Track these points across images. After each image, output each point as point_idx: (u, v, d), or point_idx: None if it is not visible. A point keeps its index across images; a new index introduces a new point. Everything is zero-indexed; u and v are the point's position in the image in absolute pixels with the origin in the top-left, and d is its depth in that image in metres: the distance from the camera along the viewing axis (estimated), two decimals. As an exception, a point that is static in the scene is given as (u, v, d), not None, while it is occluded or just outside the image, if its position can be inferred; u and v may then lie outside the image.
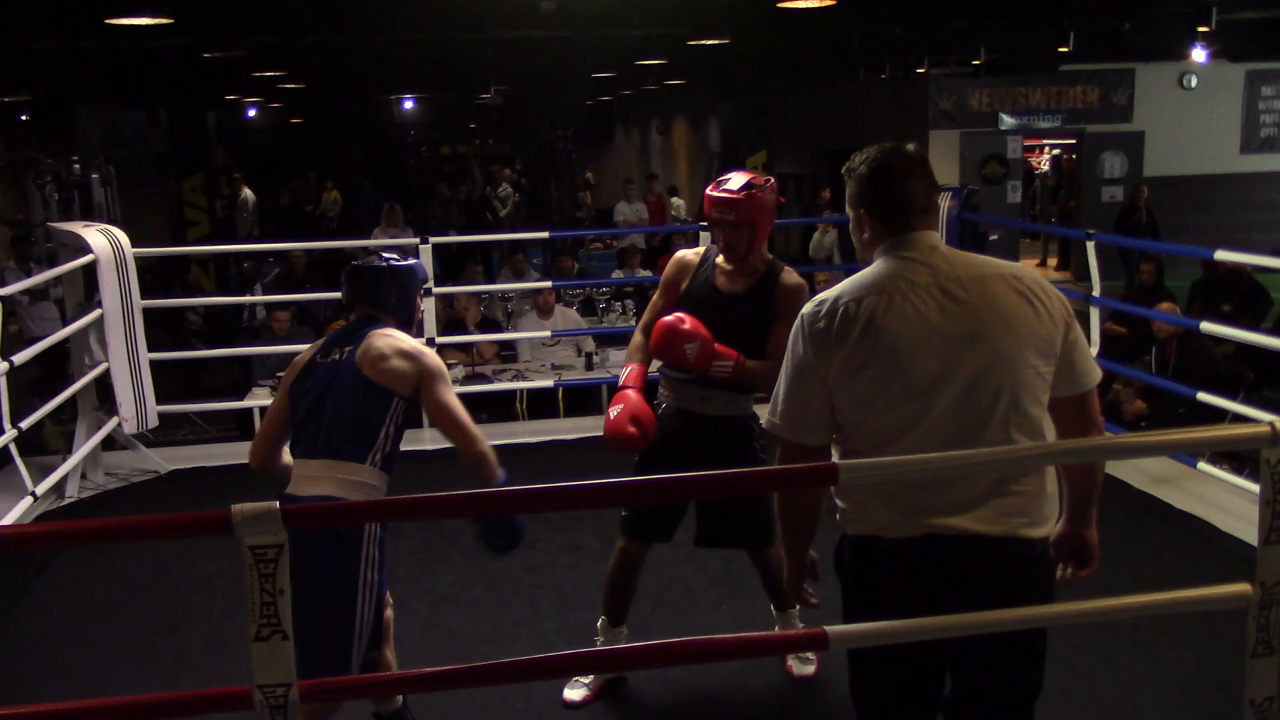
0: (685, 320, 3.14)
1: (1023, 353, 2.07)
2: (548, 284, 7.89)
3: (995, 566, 2.09)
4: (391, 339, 2.86)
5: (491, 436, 6.78)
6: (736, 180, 3.20)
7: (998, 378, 2.06)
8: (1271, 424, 1.97)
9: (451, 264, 10.32)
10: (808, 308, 2.18)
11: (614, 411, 3.16)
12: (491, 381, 6.71)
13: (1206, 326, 5.20)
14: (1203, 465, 4.90)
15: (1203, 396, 5.05)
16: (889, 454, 2.09)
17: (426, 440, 6.14)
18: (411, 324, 3.05)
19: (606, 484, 2.02)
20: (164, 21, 6.33)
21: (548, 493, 2.03)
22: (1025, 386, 2.08)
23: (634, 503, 3.27)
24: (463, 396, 7.45)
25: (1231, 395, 5.46)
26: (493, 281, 9.46)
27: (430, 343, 5.95)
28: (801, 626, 3.52)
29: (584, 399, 7.05)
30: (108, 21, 6.55)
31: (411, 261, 3.07)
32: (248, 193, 14.37)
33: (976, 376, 2.06)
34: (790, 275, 3.25)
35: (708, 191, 3.23)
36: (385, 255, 3.05)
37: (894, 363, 2.07)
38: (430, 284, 6.06)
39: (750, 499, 3.33)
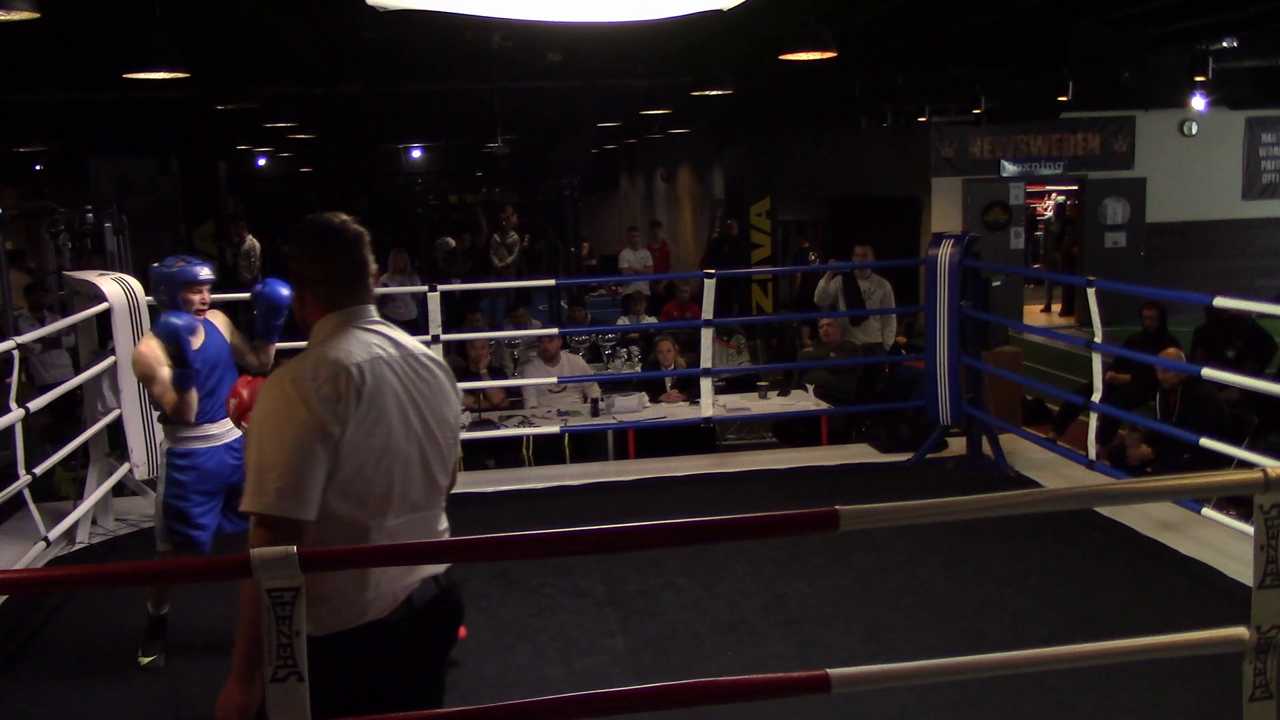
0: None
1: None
2: (554, 331, 7.95)
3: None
4: None
5: (498, 482, 6.79)
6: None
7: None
8: (1264, 470, 2.00)
9: (454, 311, 10.39)
10: (304, 375, 2.09)
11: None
12: (498, 427, 6.75)
13: (1208, 373, 5.23)
14: (1207, 511, 4.91)
15: (1206, 443, 5.06)
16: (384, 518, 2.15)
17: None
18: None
19: (608, 530, 2.06)
20: (180, 76, 6.45)
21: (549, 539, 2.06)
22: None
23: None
24: (470, 441, 7.37)
25: (1236, 441, 5.48)
26: (494, 329, 9.53)
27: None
28: None
29: (590, 445, 7.08)
30: (125, 75, 6.66)
31: (163, 266, 3.89)
32: (252, 240, 14.53)
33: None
34: None
35: None
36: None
37: (387, 429, 2.13)
38: (439, 331, 6.12)
39: None
